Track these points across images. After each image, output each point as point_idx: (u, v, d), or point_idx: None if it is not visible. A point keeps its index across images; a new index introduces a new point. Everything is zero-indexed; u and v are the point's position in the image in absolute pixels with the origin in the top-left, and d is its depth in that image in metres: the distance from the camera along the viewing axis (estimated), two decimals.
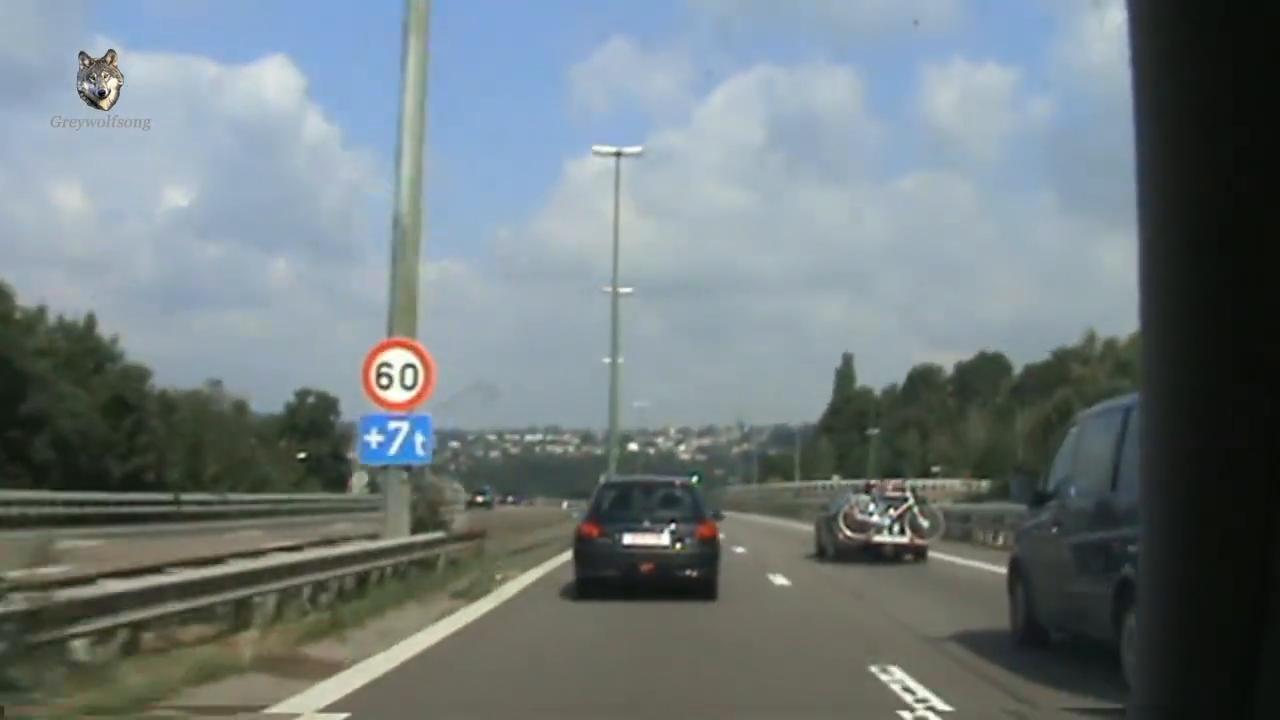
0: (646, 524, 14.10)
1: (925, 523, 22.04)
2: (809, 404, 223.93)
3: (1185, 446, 0.89)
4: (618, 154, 46.01)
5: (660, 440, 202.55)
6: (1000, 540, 28.07)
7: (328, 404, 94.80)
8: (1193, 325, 0.86)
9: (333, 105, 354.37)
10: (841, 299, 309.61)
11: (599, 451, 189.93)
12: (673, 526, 14.02)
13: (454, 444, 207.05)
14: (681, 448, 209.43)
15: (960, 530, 30.79)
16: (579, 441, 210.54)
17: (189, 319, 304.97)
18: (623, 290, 51.50)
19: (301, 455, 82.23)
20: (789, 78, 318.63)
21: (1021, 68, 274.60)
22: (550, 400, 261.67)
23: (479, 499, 64.14)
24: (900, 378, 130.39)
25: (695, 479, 23.83)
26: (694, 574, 13.83)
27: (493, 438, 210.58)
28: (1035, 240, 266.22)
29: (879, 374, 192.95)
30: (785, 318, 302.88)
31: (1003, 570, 19.09)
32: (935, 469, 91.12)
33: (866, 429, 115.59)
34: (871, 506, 22.27)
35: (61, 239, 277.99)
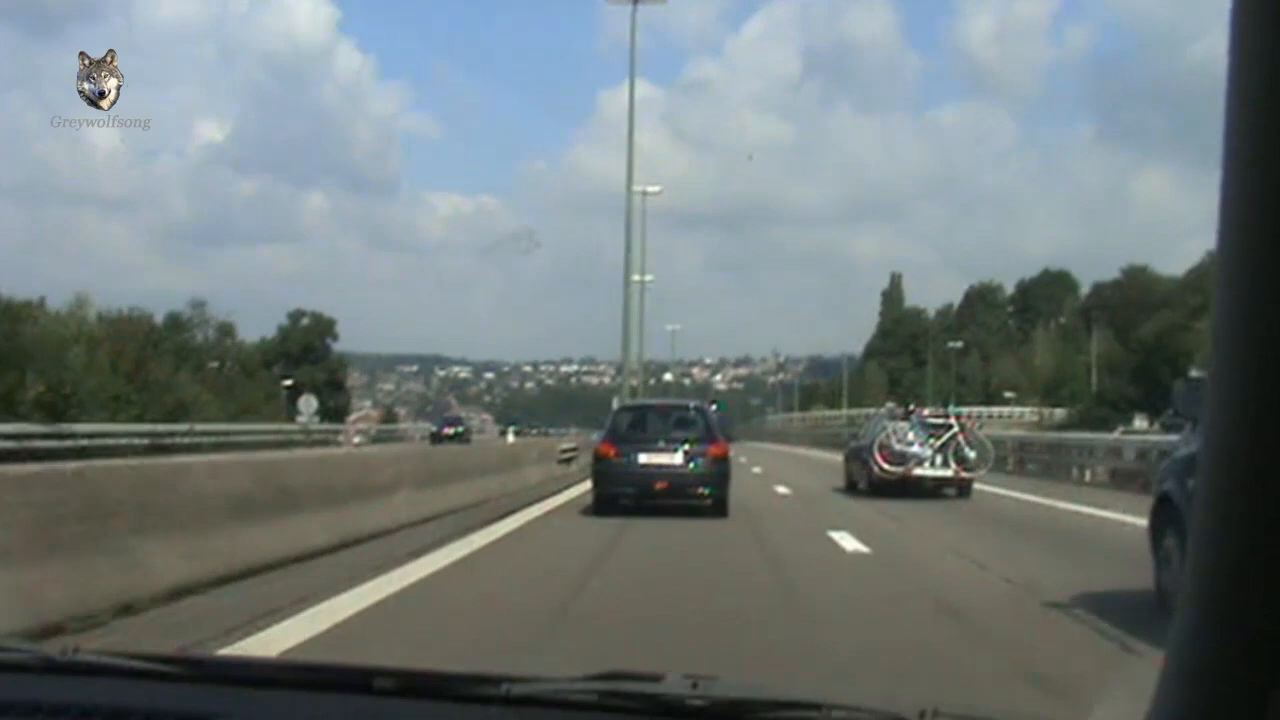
0: (661, 444, 14.68)
1: (971, 453, 18.80)
2: (844, 335, 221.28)
3: (1251, 440, 0.80)
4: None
5: (696, 370, 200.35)
6: (1089, 476, 25.28)
7: (322, 326, 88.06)
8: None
9: (366, 39, 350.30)
10: (877, 230, 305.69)
11: (634, 382, 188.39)
12: (686, 446, 14.56)
13: (489, 375, 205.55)
14: (718, 377, 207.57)
15: (1028, 463, 28.71)
16: (615, 372, 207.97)
17: (223, 255, 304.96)
18: (653, 190, 49.53)
19: (287, 382, 74.72)
20: (826, 4, 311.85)
21: None
22: (586, 332, 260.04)
23: (448, 431, 56.07)
24: (955, 298, 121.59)
25: (715, 406, 22.67)
26: (705, 491, 14.44)
27: (528, 369, 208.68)
28: (1073, 172, 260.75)
29: (929, 297, 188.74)
30: (821, 249, 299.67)
31: (1066, 507, 16.93)
32: (1008, 395, 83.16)
33: (920, 353, 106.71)
34: (911, 434, 18.93)
35: (95, 176, 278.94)
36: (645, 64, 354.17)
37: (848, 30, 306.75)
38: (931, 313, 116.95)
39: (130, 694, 1.56)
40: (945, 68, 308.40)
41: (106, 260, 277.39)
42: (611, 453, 14.81)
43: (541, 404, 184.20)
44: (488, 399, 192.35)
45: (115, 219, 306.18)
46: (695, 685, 1.54)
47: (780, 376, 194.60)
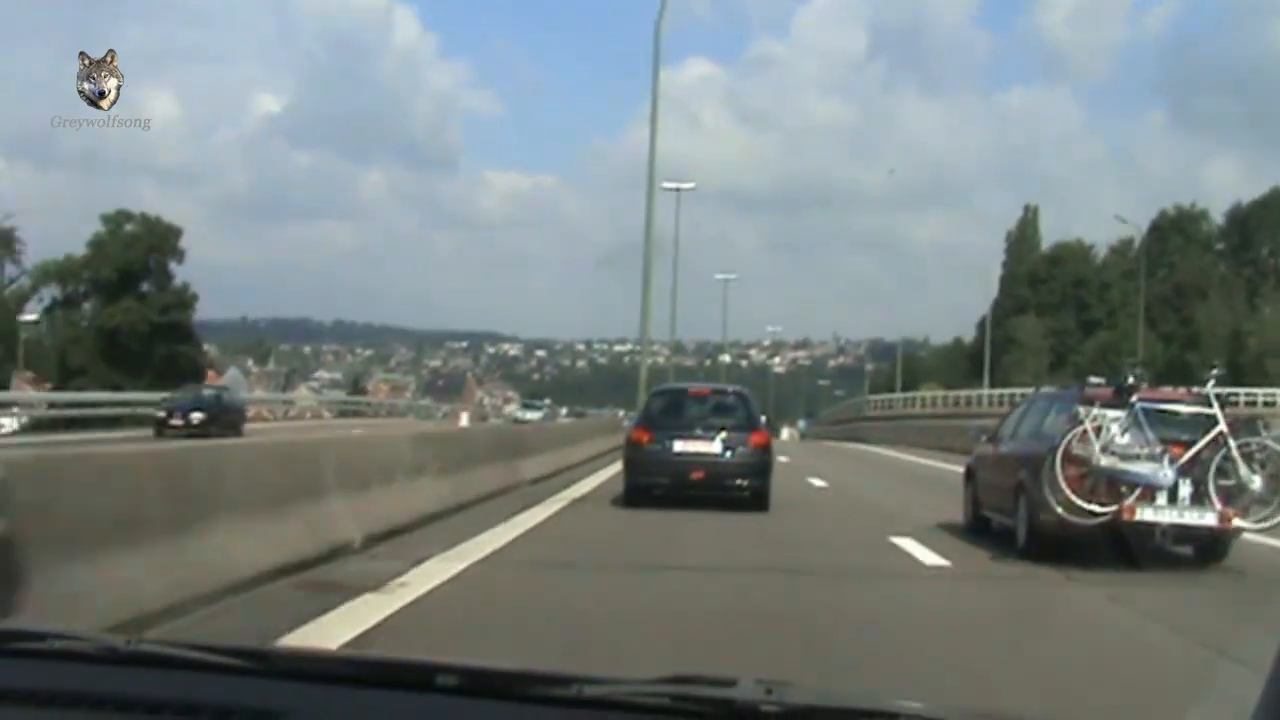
0: (698, 431, 14.04)
1: (1256, 477, 9.37)
2: (904, 320, 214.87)
3: None
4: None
5: (754, 352, 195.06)
6: None
7: (157, 238, 57.77)
8: None
9: (427, 12, 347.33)
10: (939, 215, 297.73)
11: (689, 363, 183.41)
12: (724, 434, 13.91)
13: (540, 353, 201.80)
14: (775, 359, 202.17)
15: None
16: (669, 352, 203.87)
17: (281, 229, 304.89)
18: (686, 186, 50.46)
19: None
20: None
21: None
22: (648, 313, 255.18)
23: None
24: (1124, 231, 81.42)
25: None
26: (744, 483, 13.81)
27: (581, 347, 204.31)
28: (1143, 160, 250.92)
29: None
30: (881, 233, 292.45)
31: None
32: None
33: (1089, 307, 77.73)
34: (1128, 436, 9.55)
35: (153, 148, 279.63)
36: (708, 40, 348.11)
37: (917, 10, 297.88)
38: (1101, 250, 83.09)
39: (195, 687, 1.56)
40: (1015, 50, 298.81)
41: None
42: (645, 439, 14.06)
43: (593, 383, 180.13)
44: (536, 377, 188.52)
45: (173, 191, 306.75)
46: (769, 691, 1.53)
47: (841, 359, 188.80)
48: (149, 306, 57.05)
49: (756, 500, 13.55)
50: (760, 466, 13.81)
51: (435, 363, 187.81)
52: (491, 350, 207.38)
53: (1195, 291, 70.17)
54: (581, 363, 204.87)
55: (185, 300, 59.32)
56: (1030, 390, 19.27)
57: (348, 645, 5.40)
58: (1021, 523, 10.38)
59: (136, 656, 1.61)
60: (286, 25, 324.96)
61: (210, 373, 61.38)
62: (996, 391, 56.73)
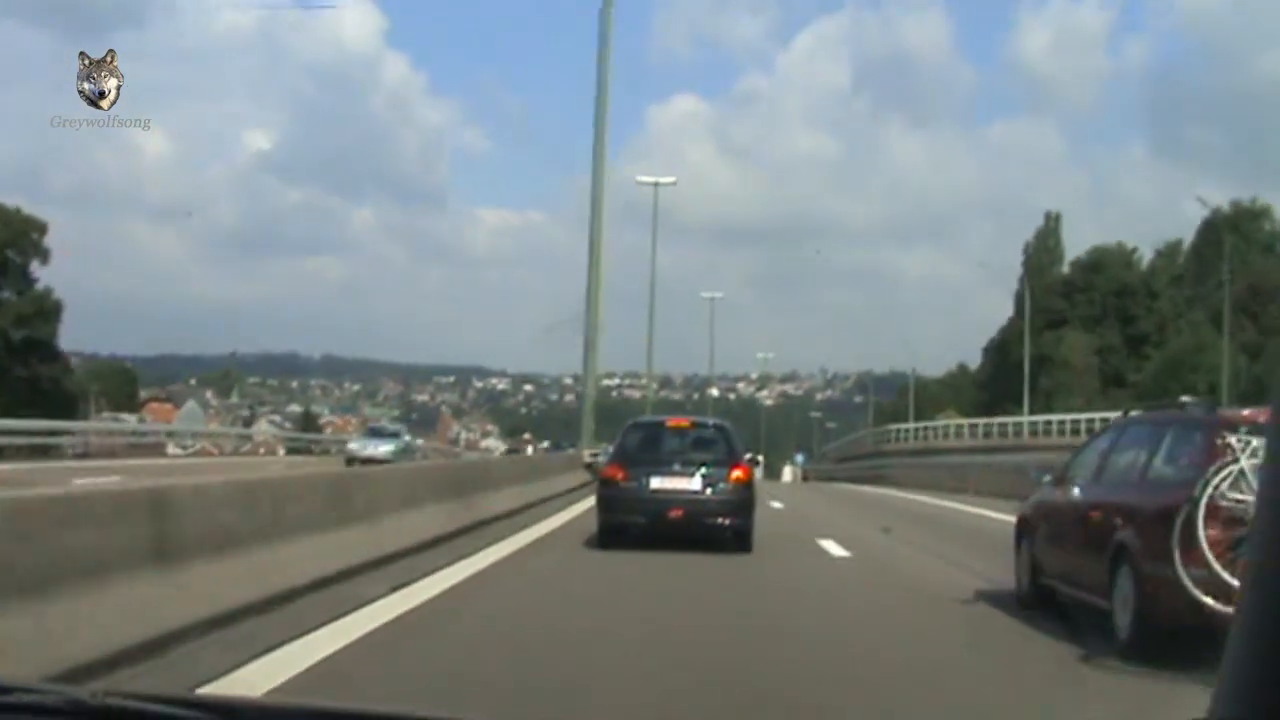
0: (676, 467, 13.37)
1: None
2: (892, 352, 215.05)
3: None
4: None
5: (741, 386, 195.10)
6: None
7: (13, 232, 47.25)
8: None
9: (414, 49, 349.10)
10: (926, 250, 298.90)
11: (677, 397, 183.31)
12: (704, 470, 13.28)
13: (528, 388, 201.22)
14: (764, 393, 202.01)
15: None
16: (657, 386, 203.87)
17: (271, 265, 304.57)
18: (666, 181, 51.39)
19: None
20: (877, 17, 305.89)
21: (1119, 6, 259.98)
22: (630, 345, 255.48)
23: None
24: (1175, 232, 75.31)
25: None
26: (726, 522, 13.10)
27: (569, 381, 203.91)
28: (1126, 190, 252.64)
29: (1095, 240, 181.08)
30: (867, 267, 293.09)
31: None
32: None
33: (1134, 319, 67.18)
34: None
35: (143, 184, 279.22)
36: (694, 77, 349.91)
37: (900, 44, 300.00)
38: (1146, 255, 72.55)
39: None
40: (998, 82, 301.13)
41: (156, 268, 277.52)
42: (619, 475, 13.34)
43: (578, 417, 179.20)
44: (524, 411, 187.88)
45: (165, 227, 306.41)
46: None
47: (829, 393, 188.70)
48: (3, 315, 46.04)
49: (739, 540, 12.96)
50: (742, 504, 13.18)
51: (423, 397, 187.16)
52: (479, 384, 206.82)
53: (1272, 295, 58.82)
54: (569, 397, 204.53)
55: (46, 309, 47.36)
56: (1084, 415, 18.81)
57: None
58: (1123, 606, 7.35)
59: (103, 711, 1.58)
60: (276, 63, 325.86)
61: (166, 406, 60.24)
62: (1042, 418, 49.46)
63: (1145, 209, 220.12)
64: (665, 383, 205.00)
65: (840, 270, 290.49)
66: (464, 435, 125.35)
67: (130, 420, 40.99)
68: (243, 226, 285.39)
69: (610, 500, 13.37)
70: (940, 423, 58.87)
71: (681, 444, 14.16)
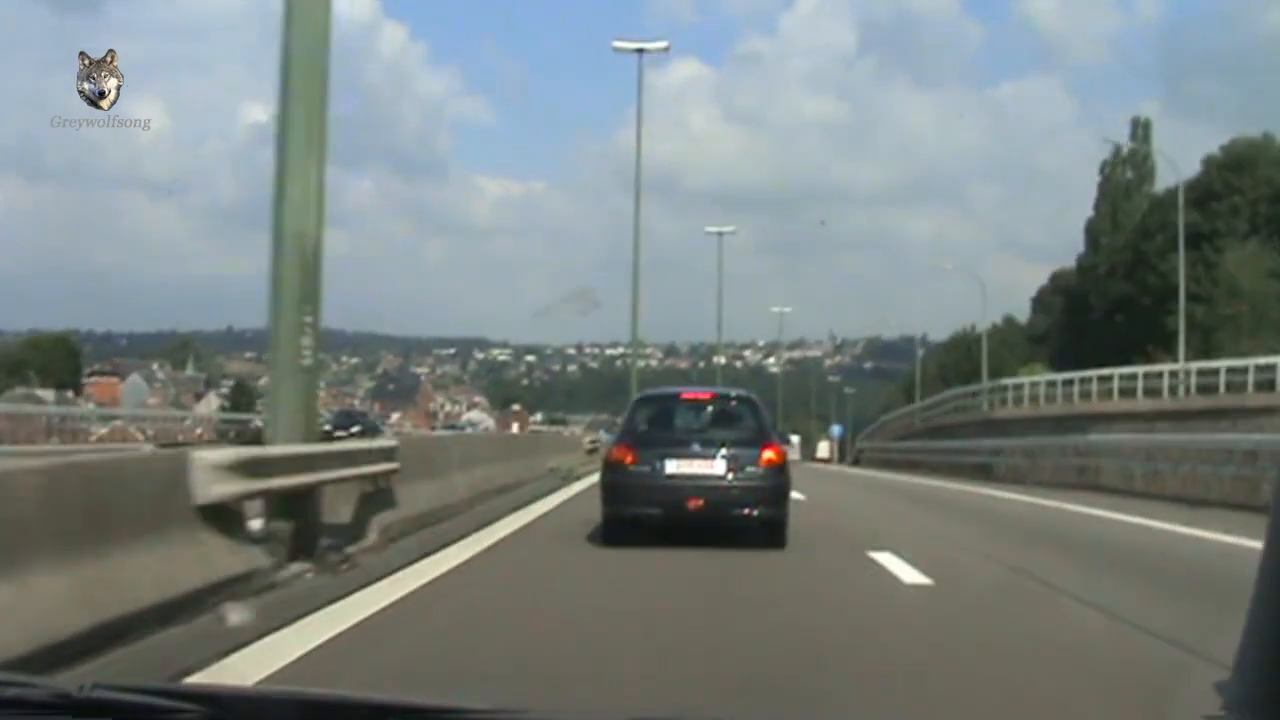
0: (695, 448, 11.38)
1: None
2: (901, 317, 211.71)
3: None
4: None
5: (748, 353, 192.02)
6: None
7: None
8: None
9: (412, 19, 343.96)
10: (934, 213, 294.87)
11: (683, 365, 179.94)
12: (729, 451, 11.29)
13: (530, 358, 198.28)
14: (770, 360, 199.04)
15: None
16: (662, 355, 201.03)
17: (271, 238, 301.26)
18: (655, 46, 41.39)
19: None
20: None
21: None
22: (641, 315, 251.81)
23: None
24: None
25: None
26: (755, 512, 11.19)
27: (572, 351, 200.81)
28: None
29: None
30: (875, 231, 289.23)
31: None
32: None
33: None
34: None
35: (141, 160, 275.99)
36: (695, 41, 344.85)
37: (905, 3, 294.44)
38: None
39: None
40: (1006, 41, 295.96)
41: (159, 243, 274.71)
42: (628, 458, 11.50)
43: (583, 389, 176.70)
44: (526, 383, 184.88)
45: (164, 202, 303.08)
46: None
47: (838, 359, 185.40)
48: None
49: (770, 534, 11.15)
50: (775, 491, 11.25)
51: (422, 370, 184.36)
52: (480, 356, 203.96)
53: None
54: (573, 367, 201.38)
55: None
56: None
57: None
58: None
59: (90, 703, 1.59)
60: (272, 34, 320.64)
61: (111, 380, 55.86)
62: (1221, 364, 36.34)
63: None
64: (670, 351, 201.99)
65: (847, 235, 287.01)
66: (447, 408, 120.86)
67: (48, 398, 36.65)
68: (241, 200, 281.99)
69: (617, 488, 11.43)
70: (1029, 379, 43.14)
71: (701, 420, 12.42)
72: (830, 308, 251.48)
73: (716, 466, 11.27)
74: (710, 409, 12.64)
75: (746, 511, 11.25)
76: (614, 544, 10.97)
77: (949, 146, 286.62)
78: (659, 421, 12.39)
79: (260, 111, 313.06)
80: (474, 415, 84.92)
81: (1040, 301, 70.21)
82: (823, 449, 72.55)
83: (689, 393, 13.51)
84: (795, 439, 77.38)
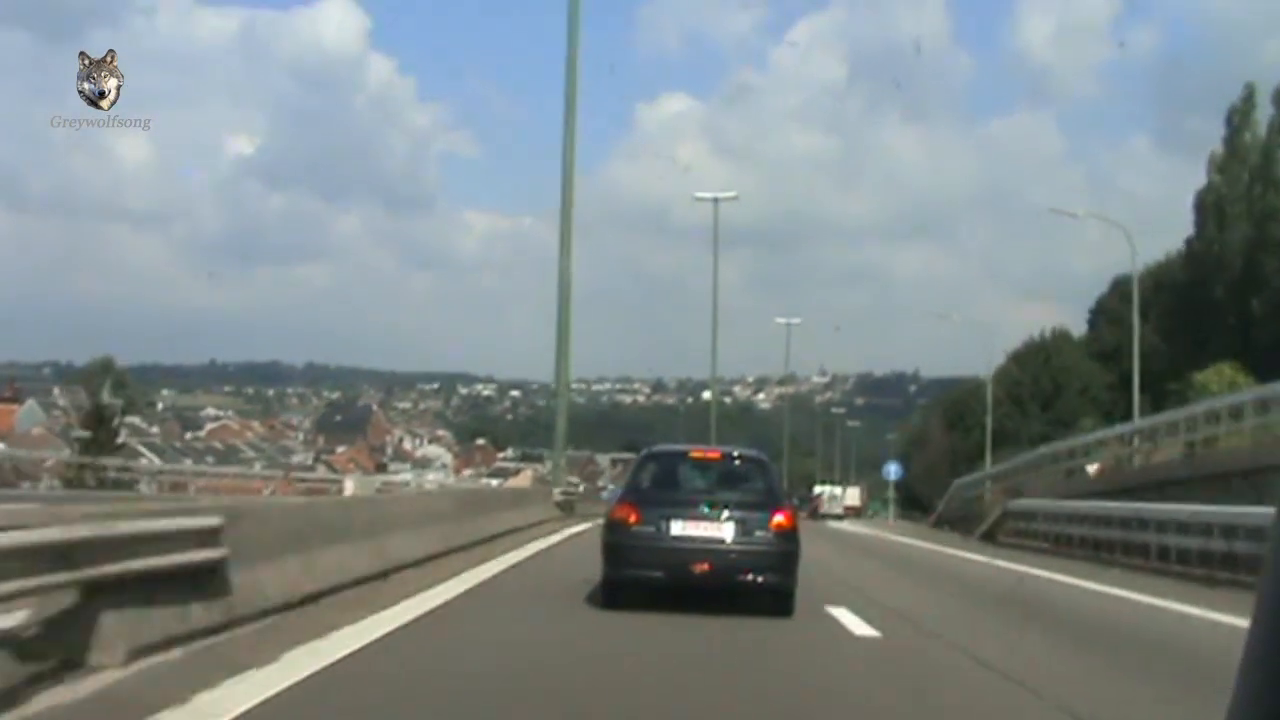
0: (703, 509, 11.05)
1: None
2: (890, 353, 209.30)
3: None
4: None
5: (737, 389, 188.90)
6: None
7: None
8: None
9: (401, 54, 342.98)
10: (923, 248, 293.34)
11: (670, 401, 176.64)
12: (738, 513, 10.99)
13: (514, 394, 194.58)
14: (760, 396, 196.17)
15: None
16: (649, 391, 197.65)
17: (255, 272, 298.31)
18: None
19: None
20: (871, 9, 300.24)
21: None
22: (622, 350, 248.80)
23: None
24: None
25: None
26: (763, 580, 10.91)
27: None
28: (1128, 184, 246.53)
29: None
30: (865, 267, 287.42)
31: None
32: None
33: None
34: None
35: (124, 191, 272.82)
36: (685, 75, 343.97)
37: (896, 35, 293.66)
38: None
39: None
40: (998, 76, 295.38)
41: (142, 276, 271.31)
42: (632, 518, 11.03)
43: (569, 424, 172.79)
44: (510, 419, 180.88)
45: (147, 234, 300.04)
46: None
47: (828, 395, 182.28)
48: None
49: (778, 603, 10.87)
50: (784, 557, 10.98)
51: (405, 404, 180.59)
52: (464, 391, 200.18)
53: None
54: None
55: None
56: None
57: None
58: None
59: None
60: (259, 67, 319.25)
61: (11, 406, 51.27)
62: None
63: (1147, 200, 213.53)
64: (658, 387, 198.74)
65: (837, 270, 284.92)
66: (405, 443, 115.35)
67: None
68: (227, 233, 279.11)
69: (620, 549, 11.17)
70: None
71: (708, 480, 12.36)
72: (820, 343, 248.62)
73: (725, 530, 10.94)
74: (718, 468, 12.51)
75: (753, 577, 10.94)
76: (613, 607, 10.68)
77: (941, 181, 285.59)
78: (665, 480, 12.14)
79: (246, 143, 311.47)
80: (431, 450, 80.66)
81: (1099, 314, 59.22)
82: (851, 496, 63.97)
83: (697, 450, 13.47)
84: (831, 490, 69.08)
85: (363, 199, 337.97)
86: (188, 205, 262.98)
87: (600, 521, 12.42)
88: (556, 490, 30.57)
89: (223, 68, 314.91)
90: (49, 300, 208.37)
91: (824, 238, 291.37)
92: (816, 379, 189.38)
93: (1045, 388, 55.75)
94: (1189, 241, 52.71)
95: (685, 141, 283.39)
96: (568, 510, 29.52)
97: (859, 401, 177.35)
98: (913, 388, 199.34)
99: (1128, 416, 37.54)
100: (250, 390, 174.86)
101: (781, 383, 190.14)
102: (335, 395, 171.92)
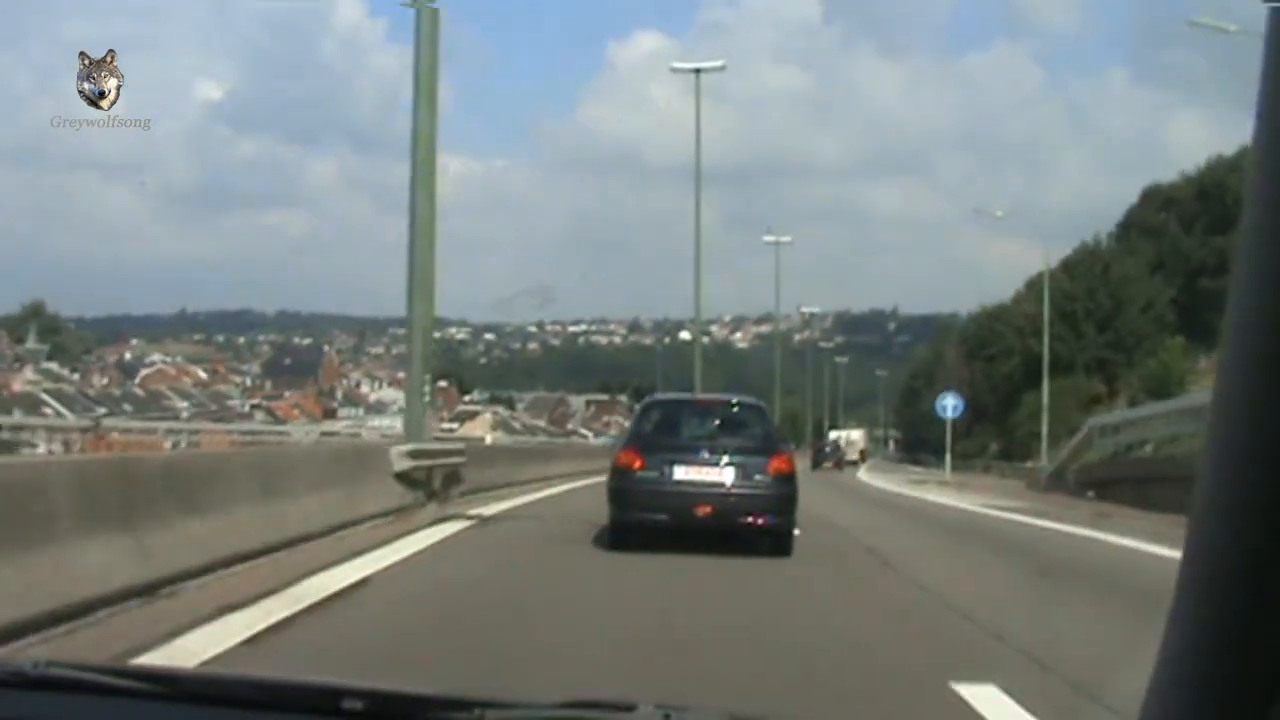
0: (704, 454, 11.84)
1: None
2: (869, 290, 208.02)
3: (1252, 451, 0.81)
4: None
5: (715, 329, 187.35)
6: None
7: None
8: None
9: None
10: (899, 184, 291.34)
11: (647, 341, 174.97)
12: (738, 458, 11.77)
13: (489, 336, 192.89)
14: (738, 335, 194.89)
15: None
16: (626, 331, 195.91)
17: (226, 219, 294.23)
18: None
19: None
20: None
21: None
22: (601, 292, 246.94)
23: None
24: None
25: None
26: (762, 522, 11.57)
27: (533, 329, 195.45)
28: (1104, 119, 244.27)
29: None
30: (841, 204, 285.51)
31: None
32: None
33: None
34: None
35: (92, 139, 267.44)
36: (658, 12, 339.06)
37: None
38: None
39: (105, 712, 1.58)
40: (974, 9, 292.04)
41: (112, 227, 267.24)
42: (636, 464, 11.82)
43: (545, 366, 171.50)
44: (483, 362, 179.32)
45: (117, 184, 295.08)
46: (668, 716, 1.52)
47: (806, 334, 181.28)
48: None
49: (776, 544, 11.52)
50: (782, 500, 11.74)
51: (378, 350, 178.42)
52: (437, 335, 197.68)
53: None
54: (533, 345, 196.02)
55: None
56: None
57: None
58: None
59: (45, 681, 1.59)
60: (228, 11, 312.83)
61: None
62: None
63: (1124, 135, 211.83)
64: (634, 327, 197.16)
65: (813, 208, 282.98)
66: (362, 386, 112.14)
67: None
68: (197, 180, 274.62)
69: (625, 493, 11.87)
70: None
71: (708, 427, 12.97)
72: (796, 281, 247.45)
73: (725, 474, 11.61)
74: (717, 415, 13.15)
75: (754, 520, 11.51)
76: (621, 548, 11.40)
77: (915, 117, 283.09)
78: (667, 427, 12.76)
79: (214, 89, 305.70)
80: (388, 394, 78.47)
81: (1128, 227, 52.93)
82: (855, 438, 56.31)
83: (698, 398, 14.29)
84: (848, 434, 61.76)
85: (335, 144, 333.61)
86: (156, 153, 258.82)
87: (519, 503, 12.46)
88: (402, 451, 14.16)
89: (190, 12, 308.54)
90: (18, 251, 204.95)
91: (799, 176, 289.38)
92: (797, 315, 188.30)
93: (1105, 304, 48.33)
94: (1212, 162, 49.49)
95: (658, 81, 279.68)
96: (429, 493, 14.78)
97: (838, 340, 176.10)
98: (891, 325, 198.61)
99: (1201, 339, 35.49)
100: (221, 338, 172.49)
101: (763, 320, 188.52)
102: (308, 341, 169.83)
